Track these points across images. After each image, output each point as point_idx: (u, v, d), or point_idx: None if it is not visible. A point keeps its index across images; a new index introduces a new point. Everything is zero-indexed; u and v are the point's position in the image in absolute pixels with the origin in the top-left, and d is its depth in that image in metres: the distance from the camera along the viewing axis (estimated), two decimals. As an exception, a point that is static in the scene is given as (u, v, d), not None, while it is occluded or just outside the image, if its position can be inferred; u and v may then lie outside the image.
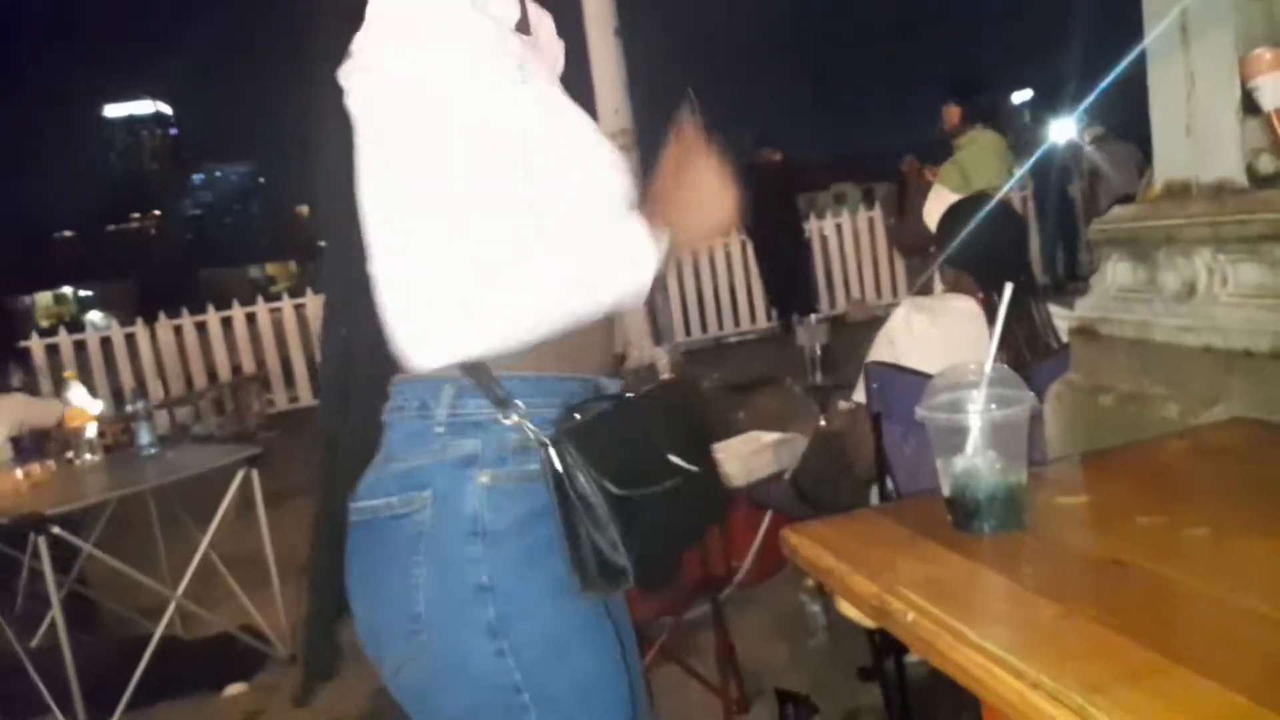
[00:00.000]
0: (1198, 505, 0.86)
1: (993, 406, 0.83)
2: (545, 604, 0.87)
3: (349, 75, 0.87)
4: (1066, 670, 0.59)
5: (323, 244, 0.97)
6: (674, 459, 0.93)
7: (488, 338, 0.84)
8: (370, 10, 0.87)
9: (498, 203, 0.84)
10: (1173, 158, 1.44)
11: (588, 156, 0.94)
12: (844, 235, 8.60)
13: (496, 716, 0.86)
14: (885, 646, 1.93)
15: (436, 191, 0.82)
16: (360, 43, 0.87)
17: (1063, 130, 7.33)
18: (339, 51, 0.88)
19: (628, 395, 0.98)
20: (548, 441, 0.86)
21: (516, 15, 0.96)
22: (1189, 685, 0.56)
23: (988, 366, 0.86)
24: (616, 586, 0.88)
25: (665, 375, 1.10)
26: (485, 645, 0.85)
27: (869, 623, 0.84)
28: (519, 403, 0.88)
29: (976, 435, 0.83)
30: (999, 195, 3.77)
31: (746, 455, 2.86)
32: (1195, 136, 1.38)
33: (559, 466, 0.85)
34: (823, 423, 2.57)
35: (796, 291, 7.69)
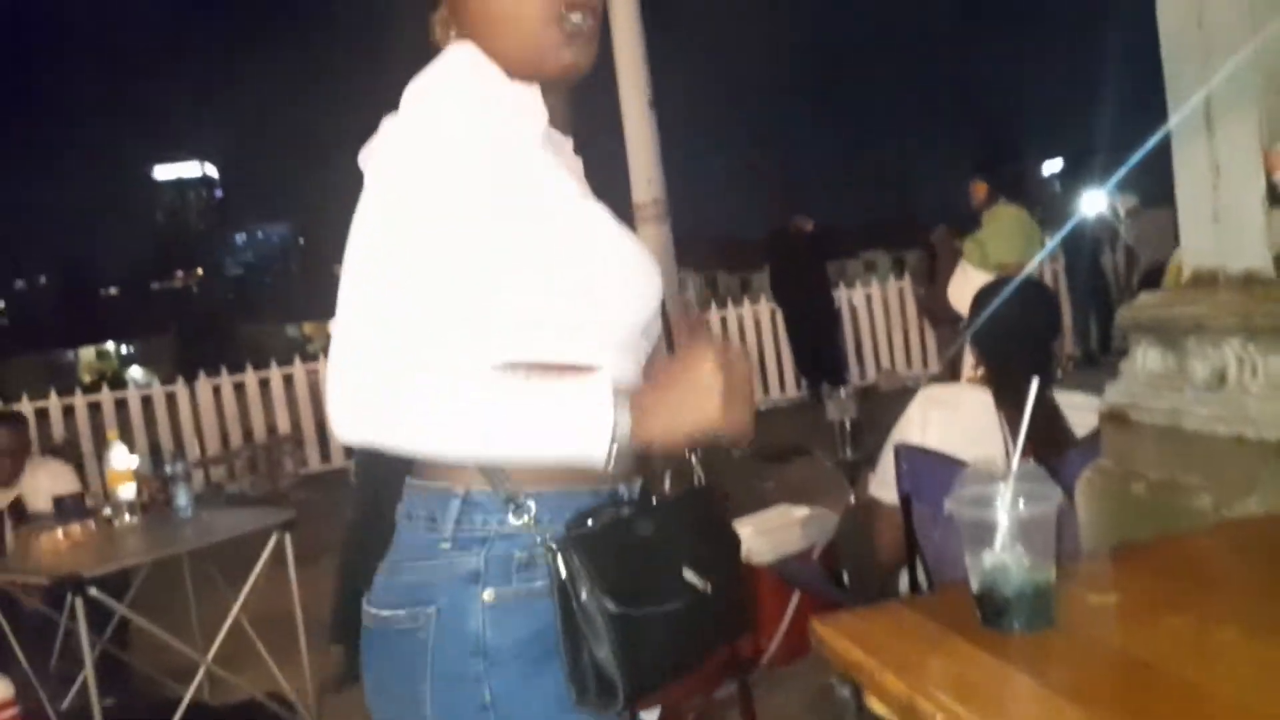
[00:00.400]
0: (1228, 604, 0.86)
1: (1021, 503, 0.84)
2: (548, 716, 0.88)
3: (364, 155, 0.91)
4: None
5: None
6: (689, 575, 0.92)
7: (402, 440, 0.83)
8: (402, 99, 0.91)
9: (449, 312, 0.85)
10: (1200, 245, 1.46)
11: (598, 278, 0.92)
12: (874, 305, 8.62)
13: None
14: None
15: (394, 278, 0.83)
16: (383, 125, 0.91)
17: (1094, 202, 7.34)
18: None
19: (648, 502, 0.97)
20: (555, 547, 0.87)
21: (542, 119, 0.95)
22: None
23: (1014, 462, 0.87)
24: (609, 705, 0.87)
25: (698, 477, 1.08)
26: None
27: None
28: (530, 503, 0.89)
29: (1004, 532, 0.84)
30: (1022, 274, 3.79)
31: (775, 530, 2.84)
32: (1222, 225, 1.40)
33: (564, 574, 0.86)
34: (852, 499, 2.55)
35: (826, 360, 7.69)
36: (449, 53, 0.93)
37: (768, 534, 2.80)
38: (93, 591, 2.47)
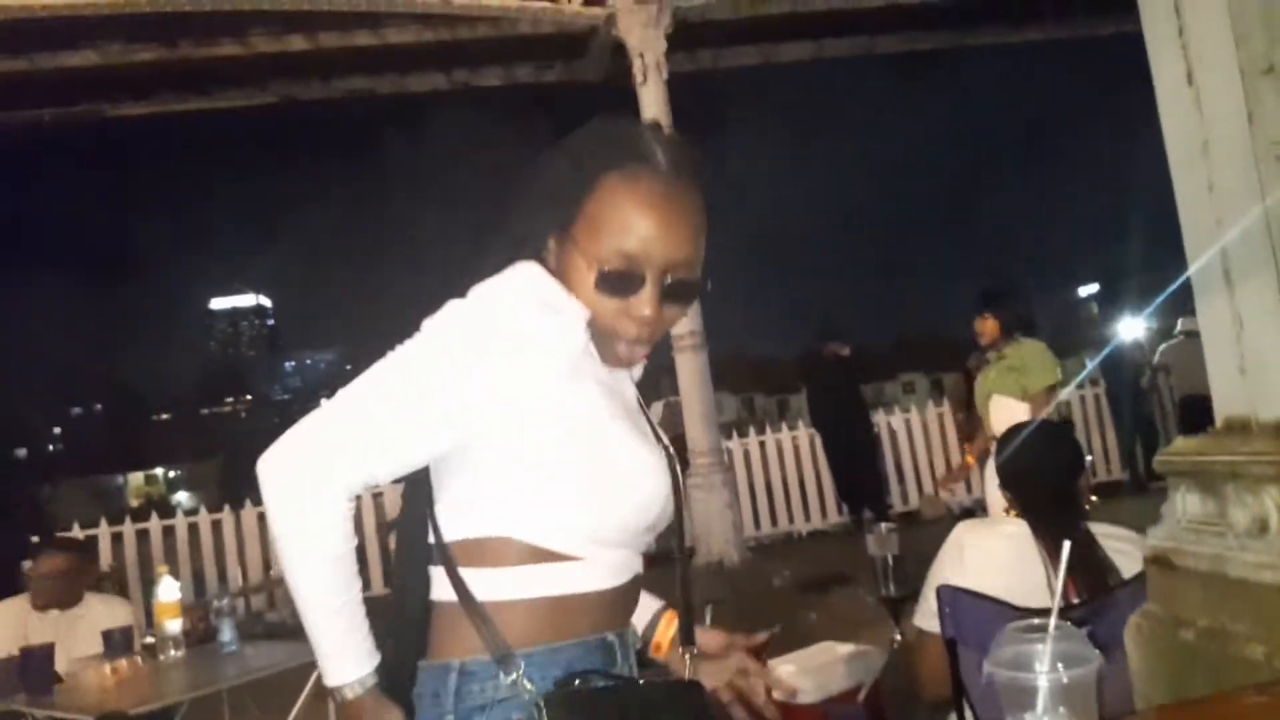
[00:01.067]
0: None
1: (1060, 666, 0.86)
2: None
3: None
4: None
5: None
6: None
7: (272, 510, 0.97)
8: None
9: (394, 451, 0.98)
10: (1229, 393, 1.48)
11: (599, 489, 1.00)
12: (914, 429, 8.57)
13: None
14: None
15: (376, 395, 0.97)
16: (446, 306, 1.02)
17: (1132, 327, 7.35)
18: None
19: (636, 680, 1.04)
20: (541, 704, 0.93)
21: (575, 342, 1.01)
22: None
23: (1052, 622, 0.89)
24: None
25: (685, 670, 1.15)
26: None
27: None
28: (519, 661, 0.96)
29: (1045, 694, 0.85)
30: (1055, 400, 3.78)
31: (820, 668, 2.78)
32: (1249, 376, 1.42)
33: None
34: (897, 637, 2.51)
35: (866, 486, 7.60)
36: (520, 266, 1.02)
37: (811, 672, 2.74)
38: (136, 730, 2.48)
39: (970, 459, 4.40)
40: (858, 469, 7.60)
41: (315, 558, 0.97)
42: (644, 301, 1.01)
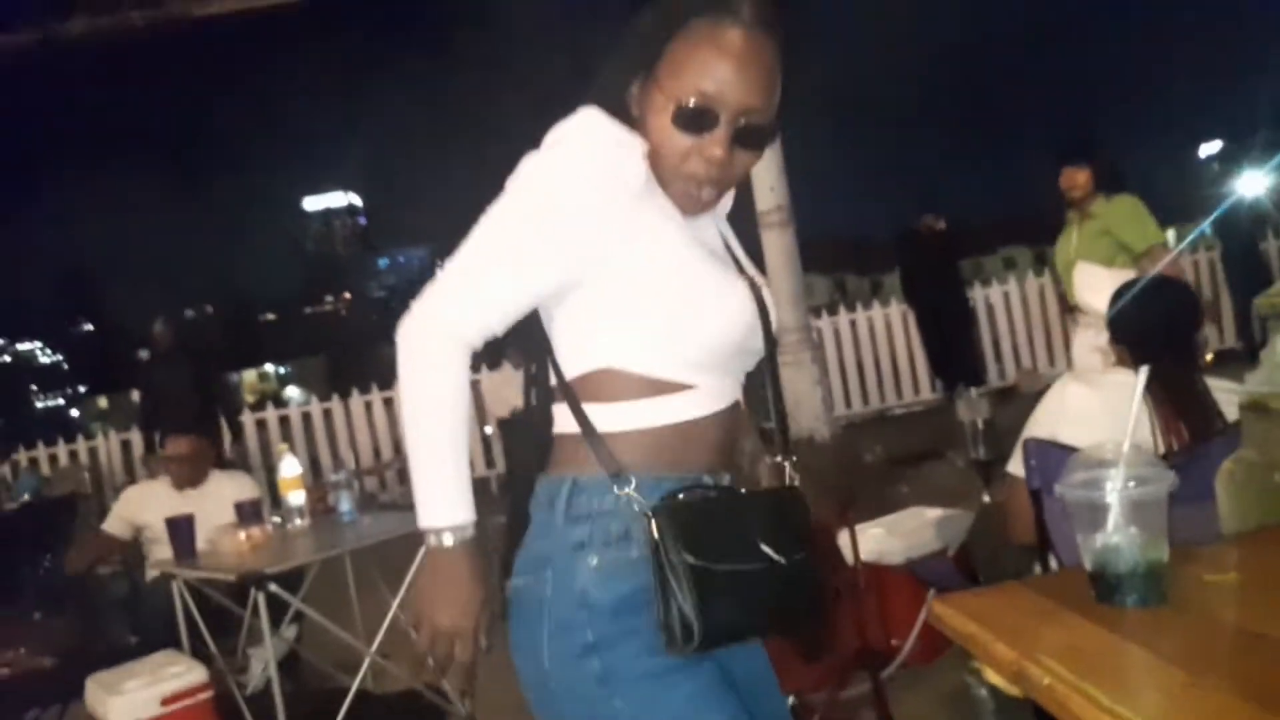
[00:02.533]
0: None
1: (1131, 484, 0.88)
2: (642, 654, 1.03)
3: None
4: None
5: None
6: (764, 546, 1.07)
7: (400, 364, 1.06)
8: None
9: (520, 291, 1.07)
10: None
11: (678, 309, 1.08)
12: (1012, 303, 8.33)
13: None
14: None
15: (492, 248, 1.06)
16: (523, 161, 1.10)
17: (1253, 184, 6.86)
18: None
19: (734, 491, 1.13)
20: (649, 514, 1.03)
21: (639, 172, 1.09)
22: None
23: (1126, 445, 0.91)
24: (689, 648, 1.02)
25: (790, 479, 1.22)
26: (597, 691, 1.04)
27: (1015, 690, 0.89)
28: (631, 479, 1.06)
29: (1116, 512, 0.88)
30: (1168, 258, 3.58)
31: (909, 531, 2.84)
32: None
33: (656, 536, 1.02)
34: (986, 499, 2.54)
35: (961, 362, 7.48)
36: (582, 111, 1.09)
37: (901, 536, 2.81)
38: (272, 587, 2.74)
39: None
40: (952, 344, 7.47)
41: (433, 404, 1.05)
42: (716, 141, 1.08)
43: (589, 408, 1.09)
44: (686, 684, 1.04)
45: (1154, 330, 1.91)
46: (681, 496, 1.06)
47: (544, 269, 1.06)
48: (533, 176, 1.07)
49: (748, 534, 1.07)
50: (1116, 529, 0.88)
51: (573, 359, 1.11)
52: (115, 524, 3.78)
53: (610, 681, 1.03)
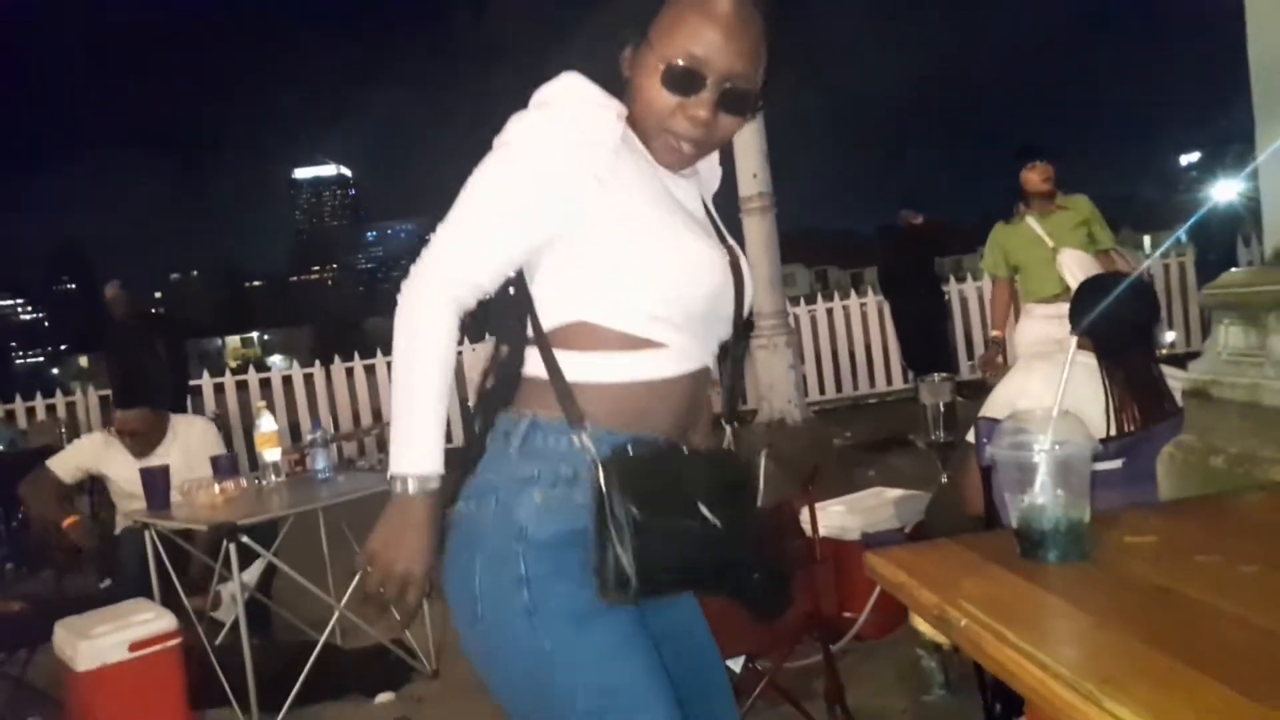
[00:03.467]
0: (1261, 549, 0.92)
1: (1057, 446, 0.93)
2: (571, 591, 1.08)
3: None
4: (1088, 666, 0.69)
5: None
6: (702, 507, 1.11)
7: (397, 327, 1.11)
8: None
9: (506, 248, 1.12)
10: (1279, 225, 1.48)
11: (658, 267, 1.13)
12: (985, 299, 8.42)
13: (535, 674, 1.09)
14: (1003, 707, 1.95)
15: (479, 206, 1.11)
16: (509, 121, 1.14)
17: (1225, 191, 6.95)
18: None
19: (680, 450, 1.15)
20: (599, 462, 1.08)
21: (615, 135, 1.14)
22: (1196, 683, 0.65)
23: (1055, 410, 0.96)
24: (622, 594, 1.07)
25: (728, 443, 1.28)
26: (522, 622, 1.08)
27: (941, 638, 0.94)
28: (588, 426, 1.10)
29: (1043, 472, 0.94)
30: (1141, 268, 3.66)
31: (869, 509, 2.91)
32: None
33: (603, 486, 1.07)
34: (944, 479, 2.60)
35: (932, 354, 7.55)
36: (564, 75, 1.15)
37: (860, 513, 2.88)
38: (244, 539, 2.77)
39: (997, 332, 4.30)
40: (925, 335, 7.55)
41: (420, 357, 1.10)
42: (701, 102, 1.13)
43: (560, 354, 1.13)
44: (605, 631, 1.08)
45: (1119, 323, 1.98)
46: (631, 451, 1.09)
47: (530, 225, 1.11)
48: (518, 136, 1.12)
49: (690, 493, 1.11)
50: (1042, 488, 0.93)
51: (550, 310, 1.14)
52: (61, 465, 3.72)
53: (536, 614, 1.07)
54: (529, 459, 1.11)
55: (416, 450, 1.10)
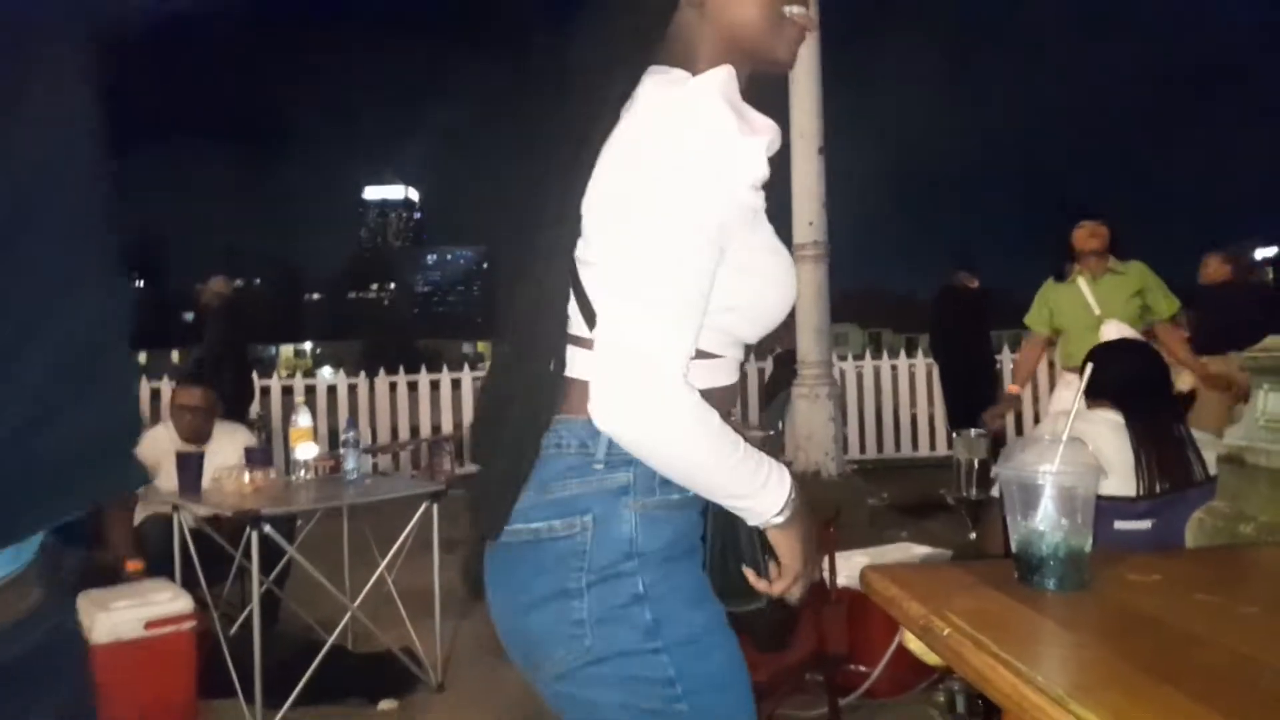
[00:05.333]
0: (1263, 593, 0.89)
1: (1063, 473, 0.92)
2: (688, 609, 1.00)
3: (617, 145, 1.00)
4: (1062, 676, 0.68)
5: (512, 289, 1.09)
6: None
7: (638, 440, 0.95)
8: (659, 105, 0.99)
9: (699, 316, 0.96)
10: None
11: (764, 286, 1.04)
12: (1039, 371, 8.27)
13: (655, 705, 0.98)
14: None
15: (659, 279, 0.94)
16: (633, 124, 0.99)
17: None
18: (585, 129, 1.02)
19: None
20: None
21: (767, 174, 1.02)
22: (1169, 697, 0.63)
23: (1065, 435, 0.94)
24: (747, 601, 1.05)
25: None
26: (644, 644, 0.98)
27: (932, 658, 0.92)
28: None
29: (1047, 495, 0.92)
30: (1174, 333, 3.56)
31: (893, 562, 2.86)
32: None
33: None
34: (972, 536, 2.55)
35: (977, 419, 7.43)
36: (714, 74, 0.99)
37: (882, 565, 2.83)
38: (267, 529, 2.81)
39: (1014, 387, 4.22)
40: (971, 399, 7.42)
41: (706, 444, 0.96)
42: None
43: None
44: (725, 645, 1.02)
45: (1131, 384, 2.01)
46: None
47: (708, 285, 0.97)
48: (693, 170, 0.95)
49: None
50: (1044, 512, 0.92)
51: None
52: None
53: (659, 633, 0.98)
54: (618, 467, 1.00)
55: (769, 491, 1.01)
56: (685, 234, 0.94)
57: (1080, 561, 0.91)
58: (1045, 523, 0.91)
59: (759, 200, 1.00)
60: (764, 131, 0.98)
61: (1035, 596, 0.89)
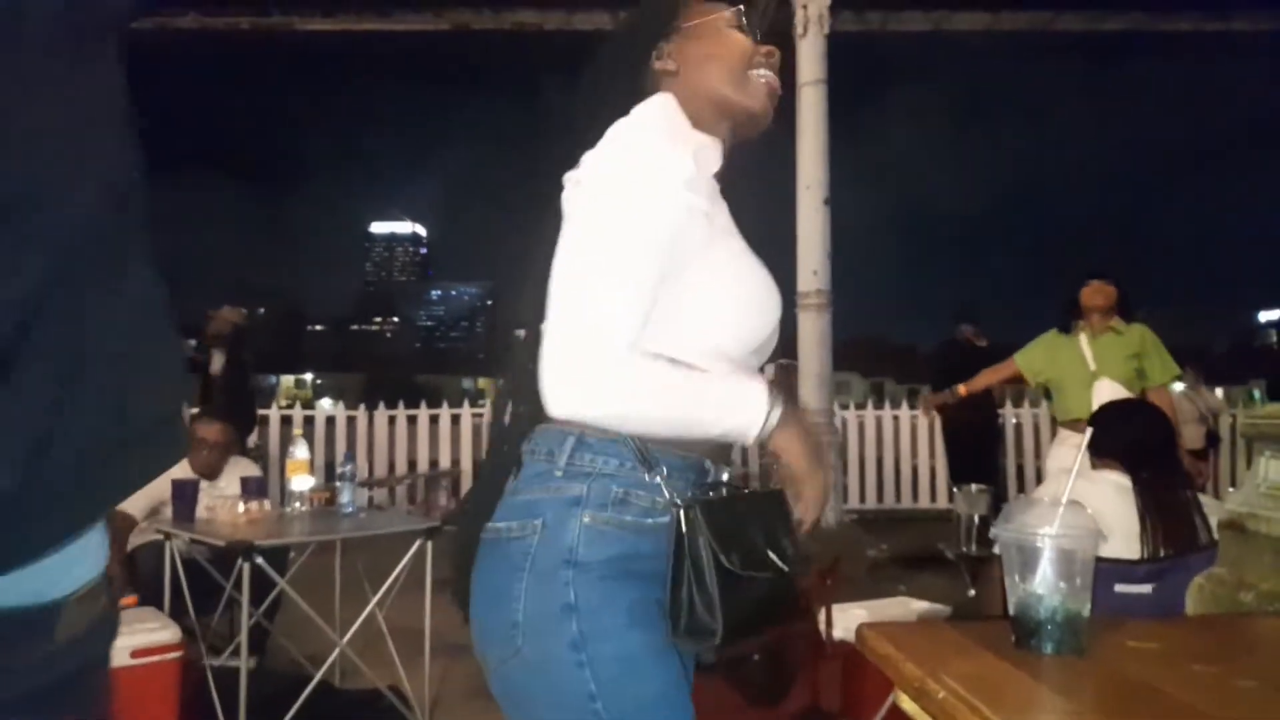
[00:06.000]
0: (1263, 667, 0.88)
1: (1063, 536, 0.91)
2: (621, 630, 1.00)
3: (570, 180, 1.10)
4: (1059, 747, 0.67)
5: (519, 332, 1.18)
6: (772, 555, 1.06)
7: (600, 414, 1.00)
8: (605, 137, 1.07)
9: (646, 307, 1.01)
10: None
11: (736, 303, 1.09)
12: (1041, 427, 8.26)
13: (576, 717, 0.99)
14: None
15: (611, 275, 1.00)
16: (586, 158, 1.07)
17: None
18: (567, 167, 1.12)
19: (749, 490, 1.11)
20: (680, 504, 1.02)
21: (717, 166, 1.14)
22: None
23: (1064, 497, 0.94)
24: (700, 643, 1.01)
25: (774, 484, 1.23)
26: (568, 656, 0.99)
27: (925, 718, 0.91)
28: (662, 466, 1.04)
29: (1046, 557, 0.91)
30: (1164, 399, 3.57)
31: (890, 617, 2.82)
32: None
33: (684, 528, 1.01)
34: (971, 593, 2.53)
35: (979, 473, 7.40)
36: (650, 100, 1.11)
37: (880, 620, 2.79)
38: (258, 560, 2.79)
39: (962, 389, 4.23)
40: (973, 453, 7.40)
41: (667, 395, 1.00)
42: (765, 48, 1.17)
43: None
44: (660, 675, 1.01)
45: (1134, 445, 2.00)
46: (711, 495, 1.05)
47: (662, 271, 1.03)
48: (635, 171, 1.04)
49: (764, 538, 1.06)
50: (1043, 576, 0.91)
51: None
52: (136, 502, 3.71)
53: (585, 647, 0.99)
54: (576, 479, 1.04)
55: (747, 404, 1.03)
56: (625, 235, 1.01)
57: (1078, 626, 0.90)
58: (1043, 586, 0.91)
59: (700, 201, 1.06)
60: (693, 142, 1.08)
61: (1032, 661, 0.88)
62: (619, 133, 1.07)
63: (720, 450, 1.13)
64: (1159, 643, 0.94)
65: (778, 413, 1.03)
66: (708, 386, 1.02)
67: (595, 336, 0.98)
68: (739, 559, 1.02)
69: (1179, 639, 0.98)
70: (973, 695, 0.77)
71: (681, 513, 1.01)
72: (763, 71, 1.17)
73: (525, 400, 1.12)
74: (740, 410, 1.02)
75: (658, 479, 1.04)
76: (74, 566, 0.65)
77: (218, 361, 6.42)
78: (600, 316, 0.99)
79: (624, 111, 1.09)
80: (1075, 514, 0.92)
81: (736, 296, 1.09)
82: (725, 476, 1.13)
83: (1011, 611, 0.93)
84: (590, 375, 0.98)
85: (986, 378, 4.17)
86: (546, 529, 1.03)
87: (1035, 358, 3.96)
